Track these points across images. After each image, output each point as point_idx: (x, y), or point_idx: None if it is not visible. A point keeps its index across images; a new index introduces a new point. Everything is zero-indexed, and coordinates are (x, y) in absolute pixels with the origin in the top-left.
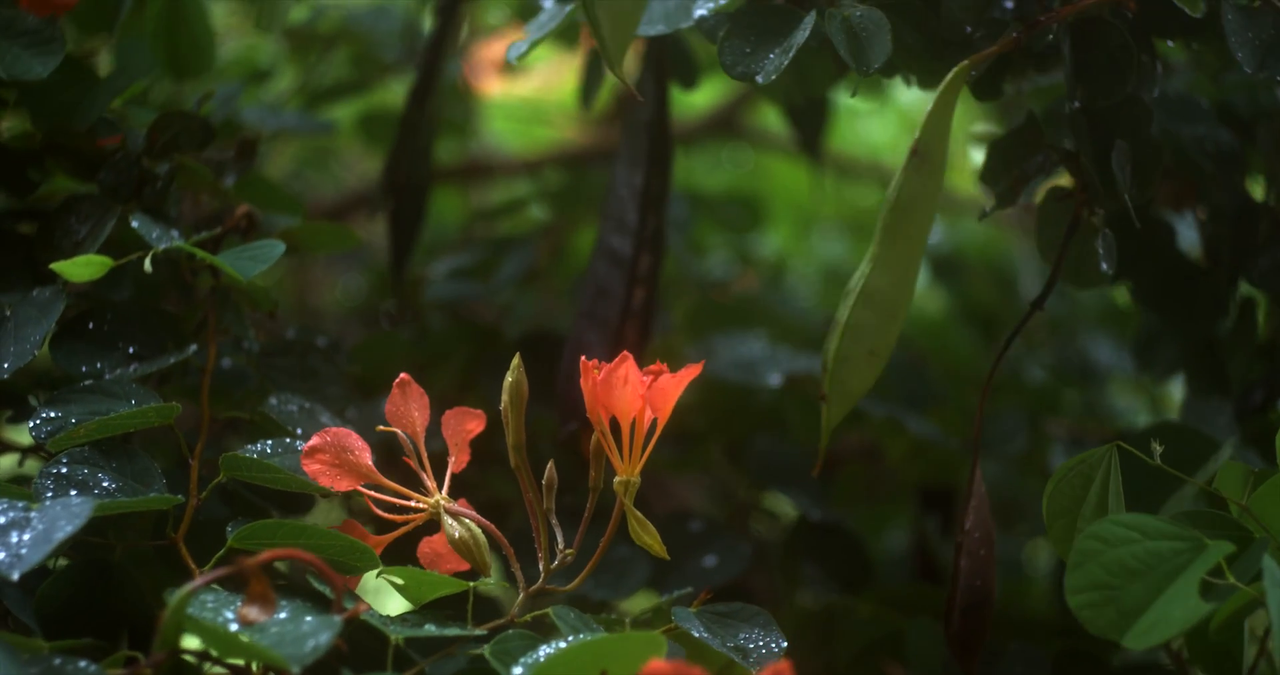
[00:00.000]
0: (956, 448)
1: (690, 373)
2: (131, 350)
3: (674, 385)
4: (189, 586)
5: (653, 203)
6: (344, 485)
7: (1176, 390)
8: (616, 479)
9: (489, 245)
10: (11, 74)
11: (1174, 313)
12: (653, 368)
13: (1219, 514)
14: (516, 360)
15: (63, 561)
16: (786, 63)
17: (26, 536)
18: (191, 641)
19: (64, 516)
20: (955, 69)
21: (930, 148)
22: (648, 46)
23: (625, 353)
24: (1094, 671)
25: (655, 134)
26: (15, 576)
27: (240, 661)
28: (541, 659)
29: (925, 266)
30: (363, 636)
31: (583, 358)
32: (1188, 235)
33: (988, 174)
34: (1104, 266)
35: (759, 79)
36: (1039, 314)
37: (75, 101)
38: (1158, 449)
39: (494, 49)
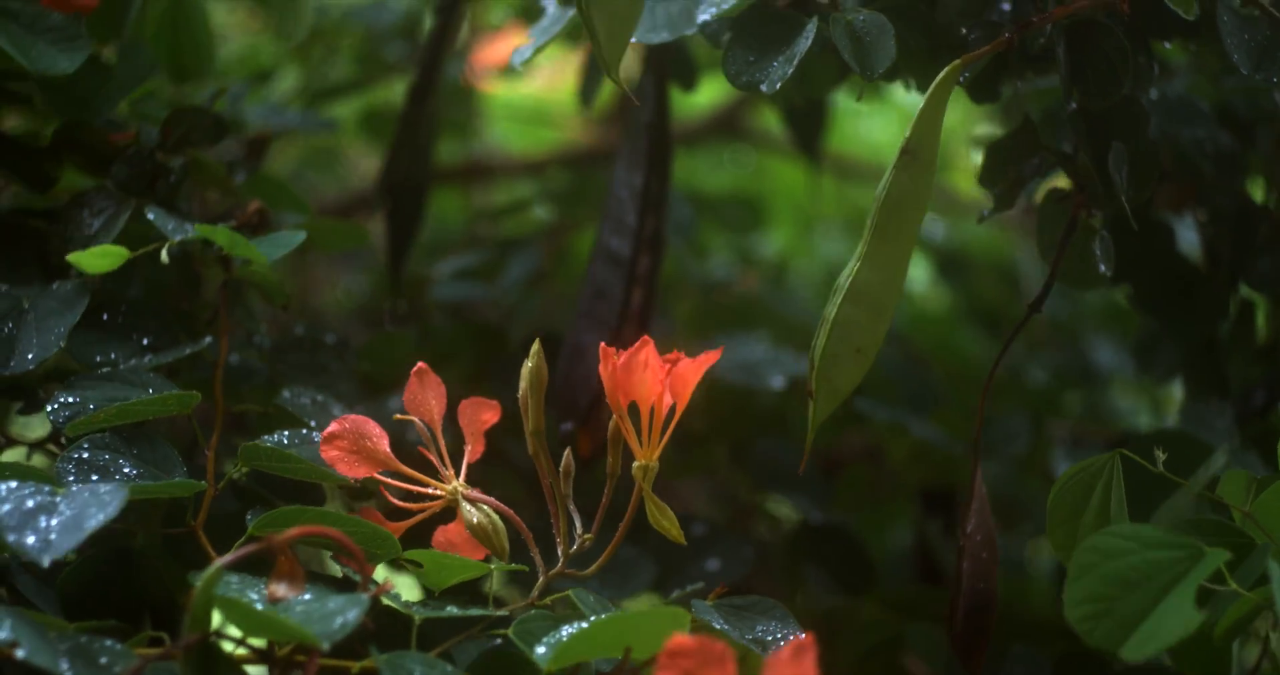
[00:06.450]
0: (959, 450)
1: (709, 358)
2: (145, 341)
3: (693, 370)
4: (220, 561)
5: (652, 204)
6: (362, 472)
7: (1178, 392)
8: (636, 464)
9: (494, 247)
10: (38, 68)
11: (1173, 315)
12: (670, 356)
13: (1220, 521)
14: (536, 346)
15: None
16: (791, 71)
17: (55, 521)
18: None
19: (94, 504)
20: (947, 68)
21: (921, 146)
22: (648, 49)
23: (645, 337)
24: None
25: (655, 135)
26: (46, 562)
27: (263, 643)
28: (564, 638)
29: (930, 265)
30: (385, 621)
31: (602, 344)
32: (1187, 238)
33: (985, 176)
34: (1101, 268)
35: (764, 88)
36: (1041, 315)
37: (91, 94)
38: (1161, 456)
39: (496, 48)
